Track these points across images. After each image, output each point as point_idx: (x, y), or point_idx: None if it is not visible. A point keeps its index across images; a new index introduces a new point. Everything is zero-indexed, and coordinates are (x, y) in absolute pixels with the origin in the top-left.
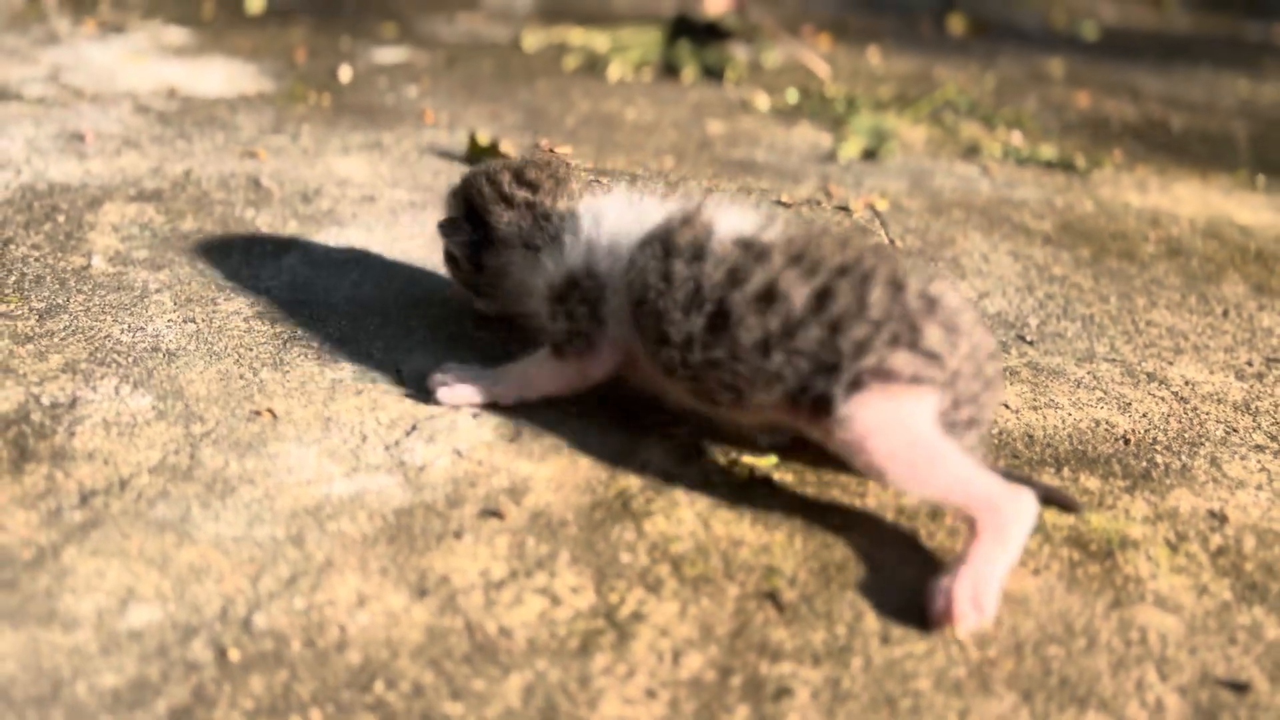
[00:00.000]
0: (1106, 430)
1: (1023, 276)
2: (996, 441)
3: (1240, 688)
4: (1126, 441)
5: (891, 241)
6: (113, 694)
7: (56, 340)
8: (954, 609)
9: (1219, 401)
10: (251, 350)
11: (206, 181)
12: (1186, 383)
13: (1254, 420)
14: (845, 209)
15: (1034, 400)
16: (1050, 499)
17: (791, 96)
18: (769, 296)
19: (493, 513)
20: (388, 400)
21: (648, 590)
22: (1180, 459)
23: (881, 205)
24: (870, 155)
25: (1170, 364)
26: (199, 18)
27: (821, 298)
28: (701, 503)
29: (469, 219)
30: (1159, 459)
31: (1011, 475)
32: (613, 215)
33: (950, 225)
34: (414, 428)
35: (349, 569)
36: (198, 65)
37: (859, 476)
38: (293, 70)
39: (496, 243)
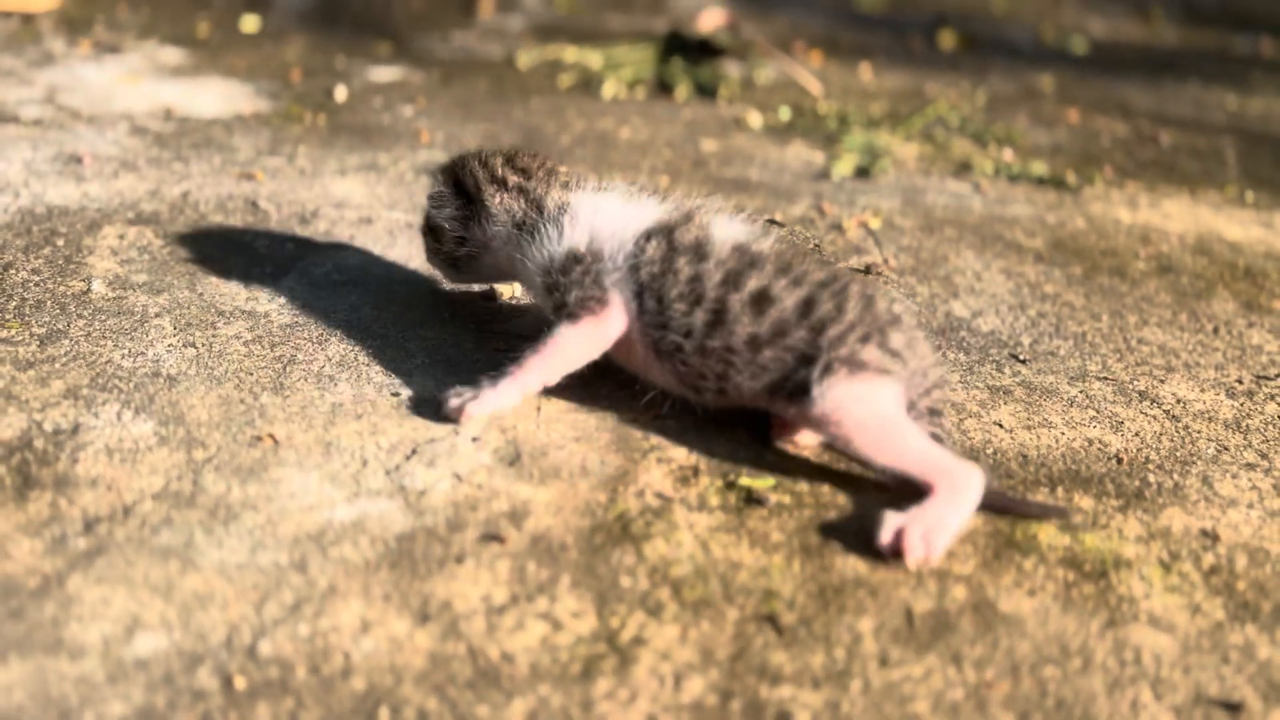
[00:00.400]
0: (1100, 449)
1: (1015, 295)
2: (992, 461)
3: (1233, 707)
4: (1119, 461)
5: (885, 260)
6: None
7: (58, 366)
8: (905, 541)
9: (1210, 420)
10: (252, 374)
11: (204, 204)
12: (1178, 401)
13: (1244, 438)
14: (839, 227)
15: (1028, 420)
16: (1042, 515)
17: (784, 114)
18: (763, 300)
19: (493, 537)
20: (388, 424)
21: (648, 614)
22: (1172, 478)
23: (875, 223)
24: (863, 173)
25: (1162, 382)
26: (194, 37)
27: (808, 304)
28: (700, 525)
29: (456, 196)
30: (1151, 478)
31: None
32: (613, 206)
33: (943, 243)
34: (414, 452)
35: (352, 595)
36: (194, 85)
37: (855, 498)
38: (288, 90)
39: (485, 220)
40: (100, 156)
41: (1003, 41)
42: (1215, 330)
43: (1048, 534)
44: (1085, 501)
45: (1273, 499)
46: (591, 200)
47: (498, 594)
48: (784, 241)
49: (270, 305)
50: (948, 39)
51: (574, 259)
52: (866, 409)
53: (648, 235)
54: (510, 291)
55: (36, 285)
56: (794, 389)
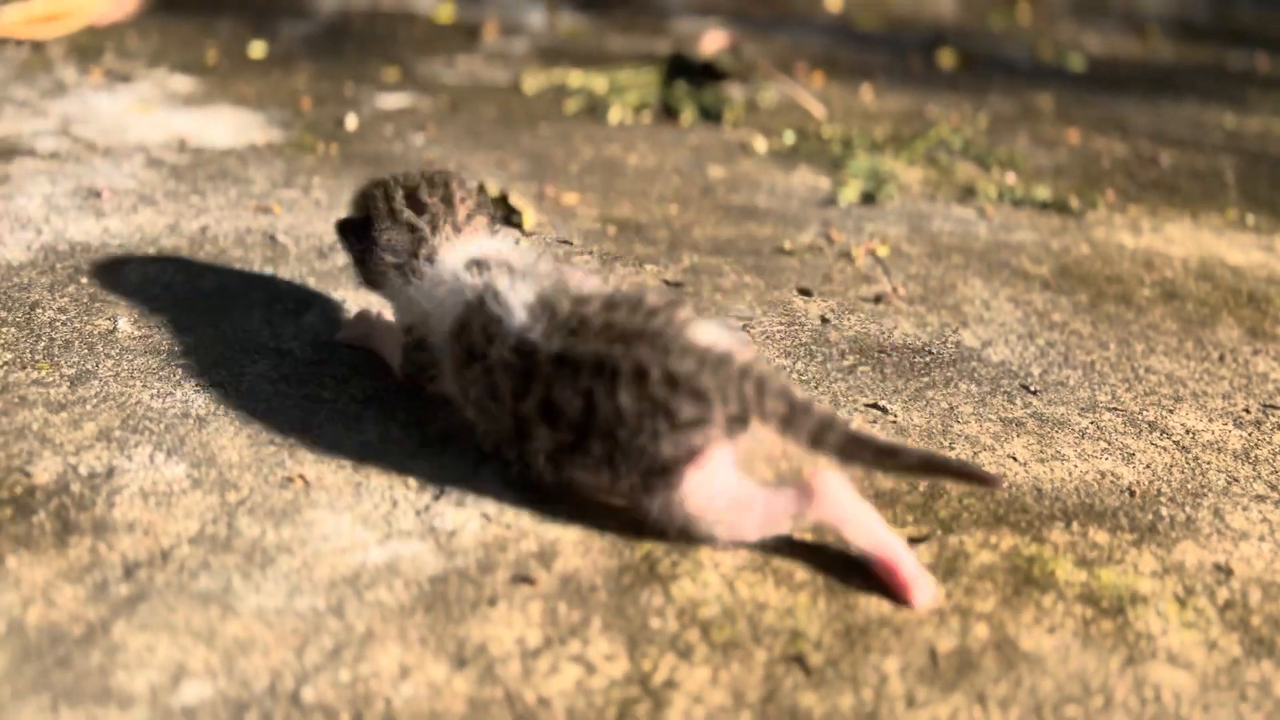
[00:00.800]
0: (1112, 482)
1: (1023, 323)
2: (1006, 495)
3: None
4: (1132, 494)
5: (894, 289)
6: None
7: (89, 408)
8: (911, 591)
9: (1219, 450)
10: (279, 414)
11: (223, 238)
12: (1187, 431)
13: (1254, 469)
14: (847, 255)
15: (1040, 452)
16: (964, 474)
17: (789, 138)
18: (550, 408)
19: (524, 578)
20: (415, 463)
21: (679, 657)
22: (1184, 510)
23: (883, 251)
24: (869, 199)
25: (1170, 412)
26: (203, 65)
27: (587, 412)
28: (725, 564)
29: (361, 224)
30: (1164, 511)
31: None
32: (449, 274)
33: (950, 271)
34: (442, 491)
35: (390, 639)
36: (205, 115)
37: None
38: (299, 119)
39: (376, 253)
40: (118, 190)
41: (1001, 60)
42: (1221, 358)
43: (1065, 569)
44: (1100, 536)
45: None
46: (442, 259)
47: (531, 637)
48: (565, 307)
49: (293, 343)
50: (947, 58)
51: (408, 329)
52: (710, 504)
53: (454, 329)
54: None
55: (64, 324)
56: (630, 490)
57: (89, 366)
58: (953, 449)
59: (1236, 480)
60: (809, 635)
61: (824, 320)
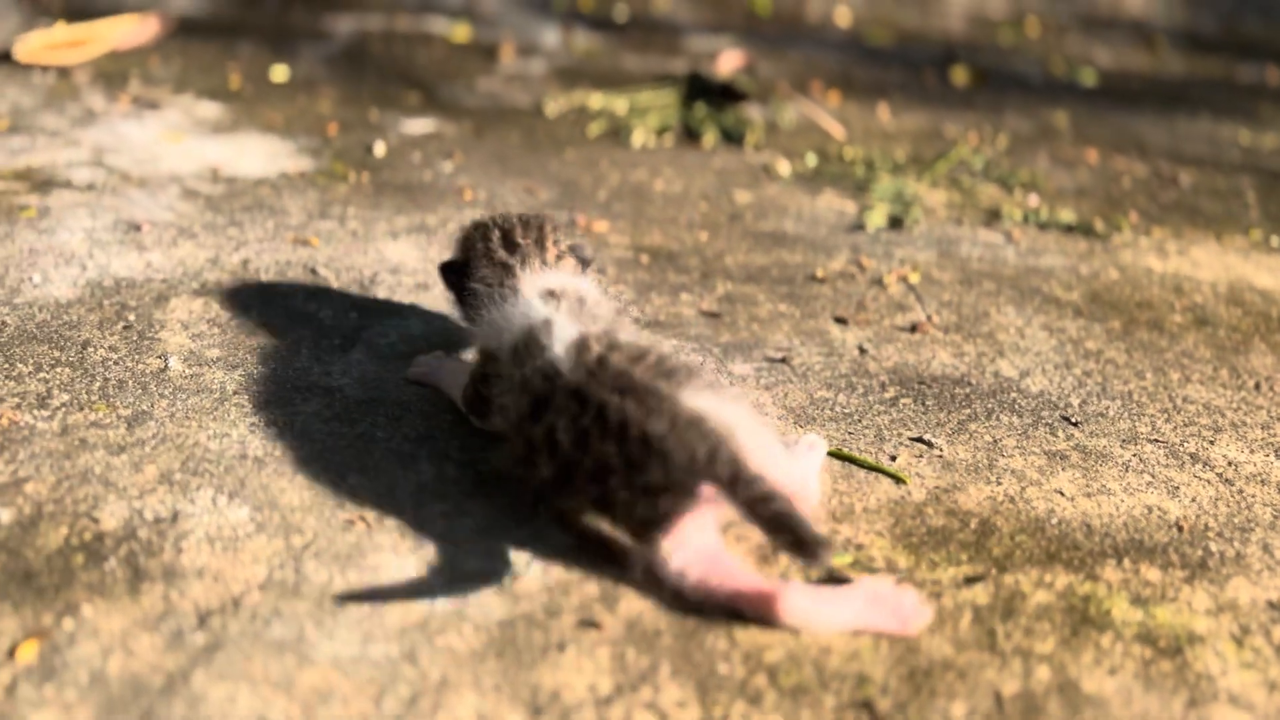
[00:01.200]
0: (1159, 517)
1: (1059, 352)
2: (1058, 532)
3: None
4: (1180, 529)
5: (929, 317)
6: None
7: (148, 450)
8: (907, 623)
9: (1263, 483)
10: (335, 454)
11: (264, 272)
12: (1229, 463)
13: None
14: (880, 283)
15: (1087, 486)
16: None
17: (811, 160)
18: (552, 439)
19: (590, 623)
20: (472, 504)
21: (749, 703)
22: (1233, 546)
23: (914, 278)
24: (896, 223)
25: (1211, 443)
26: (228, 89)
27: (579, 451)
28: None
29: (462, 265)
30: (1213, 546)
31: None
32: (520, 305)
33: (983, 298)
34: (503, 533)
35: (464, 686)
36: (235, 142)
37: (932, 576)
38: (328, 146)
39: (474, 293)
40: (158, 223)
41: (1013, 75)
42: (1257, 386)
43: (1121, 608)
44: (1152, 573)
45: None
46: (524, 291)
47: (602, 684)
48: (594, 358)
49: (343, 380)
50: (960, 75)
51: (485, 357)
52: (692, 568)
53: (511, 351)
54: None
55: (116, 364)
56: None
57: (144, 407)
58: (999, 484)
59: None
60: (875, 679)
61: (862, 350)
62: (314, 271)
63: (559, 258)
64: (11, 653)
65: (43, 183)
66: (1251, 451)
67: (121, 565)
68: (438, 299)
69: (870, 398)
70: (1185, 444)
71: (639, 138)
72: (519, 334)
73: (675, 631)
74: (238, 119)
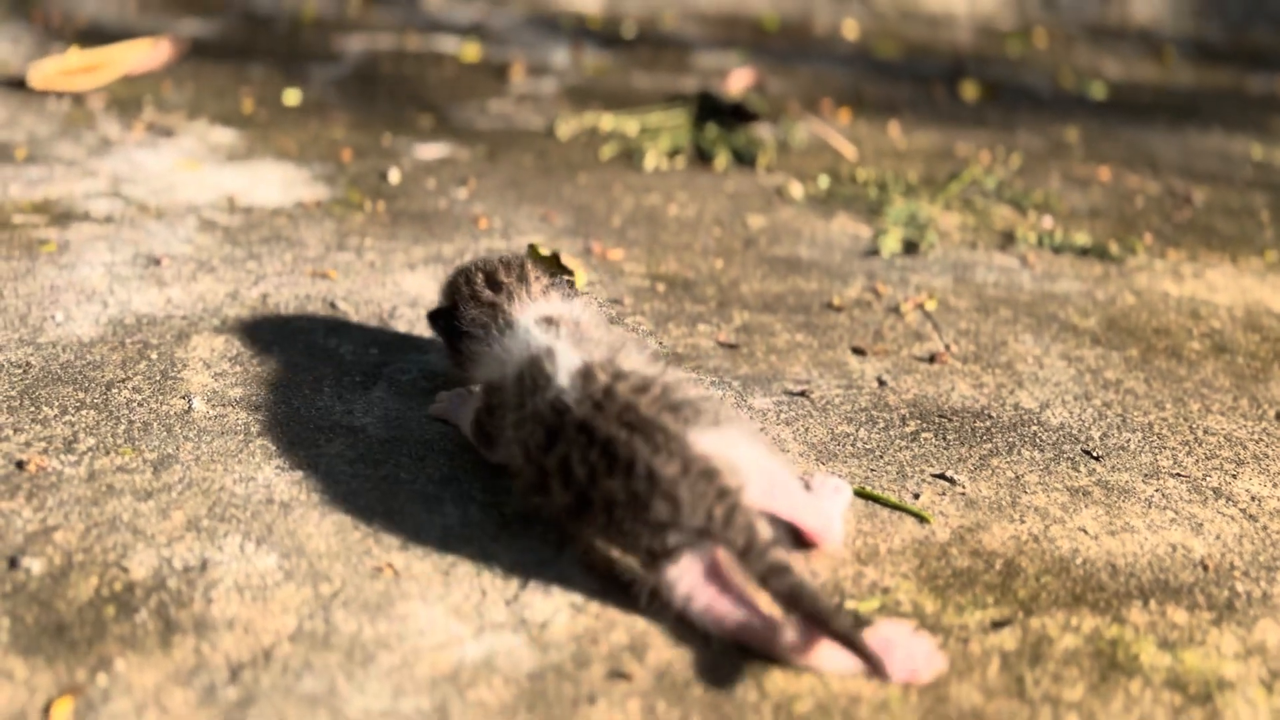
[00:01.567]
0: (1184, 556)
1: (1078, 382)
2: (1082, 572)
3: None
4: (1205, 568)
5: (947, 347)
6: None
7: (175, 495)
8: (917, 673)
9: None
10: (360, 497)
11: (284, 307)
12: (1252, 498)
13: None
14: (896, 311)
15: (1110, 524)
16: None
17: (824, 182)
18: (567, 469)
19: (620, 674)
20: (497, 548)
21: None
22: (1260, 585)
23: (931, 305)
24: (911, 247)
25: (1234, 477)
26: (241, 114)
27: (591, 483)
28: None
29: (448, 311)
30: (1239, 586)
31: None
32: (520, 334)
33: (1000, 326)
34: (529, 579)
35: None
36: (250, 170)
37: (959, 621)
38: (343, 173)
39: (464, 335)
40: (176, 257)
41: (1023, 89)
42: (1278, 416)
43: (1148, 653)
44: (1179, 615)
45: None
46: (516, 324)
47: None
48: (599, 388)
49: (366, 419)
50: (970, 90)
51: (489, 389)
52: (685, 595)
53: (515, 378)
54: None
55: (140, 405)
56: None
57: (170, 450)
58: (1023, 522)
59: None
60: None
61: (881, 382)
62: (333, 305)
63: (544, 292)
64: (46, 710)
65: (61, 215)
66: (1275, 485)
67: (153, 617)
68: None
69: (891, 432)
70: (1208, 478)
71: (651, 160)
72: (522, 363)
73: (705, 682)
74: (252, 145)
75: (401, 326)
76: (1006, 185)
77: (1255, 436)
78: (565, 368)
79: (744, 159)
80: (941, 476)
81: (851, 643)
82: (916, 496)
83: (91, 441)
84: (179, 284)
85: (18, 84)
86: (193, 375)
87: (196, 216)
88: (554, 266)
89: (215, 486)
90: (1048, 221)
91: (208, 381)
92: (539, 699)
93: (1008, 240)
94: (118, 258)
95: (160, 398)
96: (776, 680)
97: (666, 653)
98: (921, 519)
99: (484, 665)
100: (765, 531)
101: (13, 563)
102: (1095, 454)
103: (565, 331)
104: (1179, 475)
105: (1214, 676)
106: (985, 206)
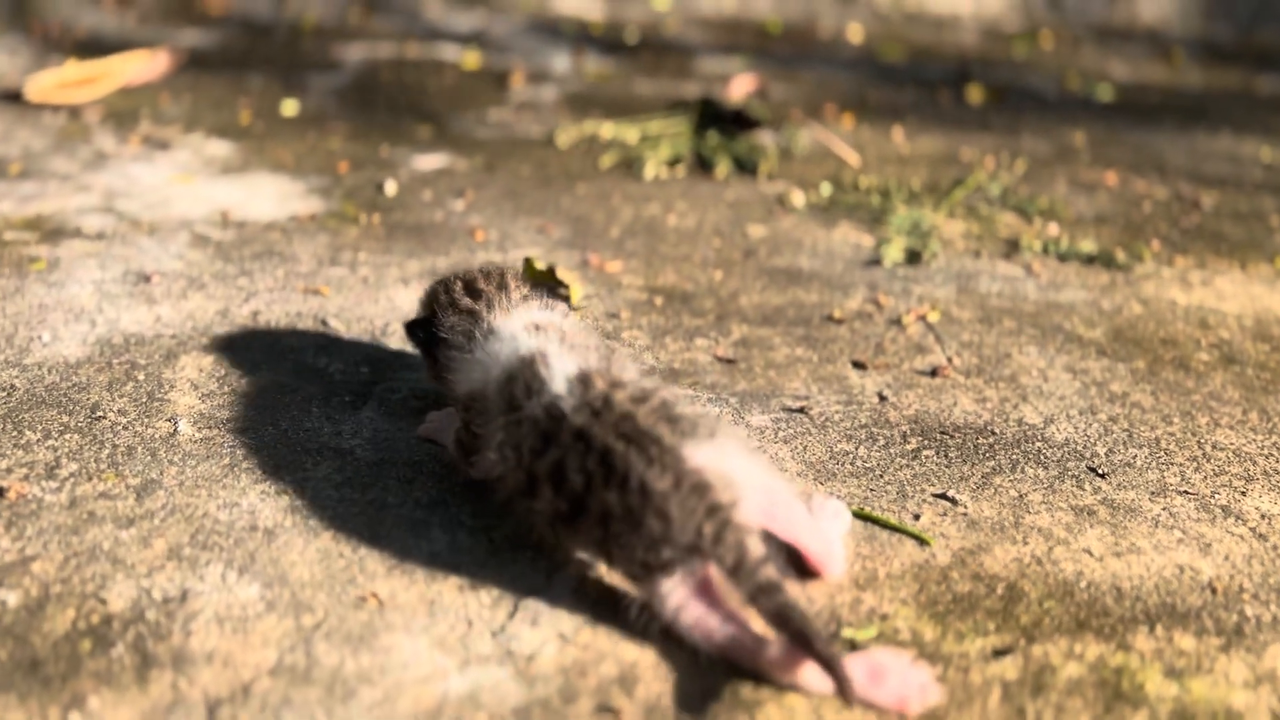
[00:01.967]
0: (1192, 578)
1: (1083, 396)
2: (1087, 596)
3: None
4: (1213, 590)
5: (949, 359)
6: None
7: (157, 522)
8: (906, 701)
9: None
10: (346, 523)
11: (275, 325)
12: (1262, 516)
13: None
14: (898, 323)
15: (1115, 545)
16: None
17: (826, 190)
18: (557, 473)
19: (608, 709)
20: (485, 576)
21: None
22: (1270, 609)
23: (933, 317)
24: (914, 257)
25: (1243, 494)
26: (238, 126)
27: (586, 492)
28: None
29: (427, 321)
30: (1249, 610)
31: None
32: (506, 341)
33: (1004, 337)
34: (516, 609)
35: None
36: (245, 183)
37: (960, 649)
38: (339, 185)
39: (443, 346)
40: (167, 273)
41: (1029, 92)
42: None
43: (1154, 682)
44: (1186, 641)
45: None
46: (497, 332)
47: None
48: (596, 392)
49: (354, 440)
50: (975, 93)
51: (470, 398)
52: (674, 609)
53: (502, 383)
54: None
55: (125, 429)
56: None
57: (154, 475)
58: (1026, 544)
59: None
60: None
61: (882, 397)
62: (325, 323)
63: (524, 299)
64: None
65: (53, 231)
66: None
67: (129, 651)
68: None
69: (892, 450)
70: (1216, 495)
71: (651, 169)
72: (510, 367)
73: (695, 716)
74: (248, 158)
75: (394, 344)
76: (1011, 191)
77: (1265, 451)
78: (561, 373)
79: (745, 167)
80: (943, 496)
81: (829, 665)
82: (917, 517)
83: (74, 467)
84: (169, 302)
85: (14, 97)
86: (180, 397)
87: (189, 232)
88: (549, 280)
89: (199, 513)
90: (1053, 229)
91: (195, 403)
92: None
93: (1012, 248)
94: (108, 275)
95: (146, 420)
96: (770, 714)
97: (656, 686)
98: (922, 541)
99: (468, 700)
100: (756, 549)
101: None
102: (1101, 471)
103: (555, 337)
104: (1187, 493)
105: (1222, 707)
106: (990, 213)
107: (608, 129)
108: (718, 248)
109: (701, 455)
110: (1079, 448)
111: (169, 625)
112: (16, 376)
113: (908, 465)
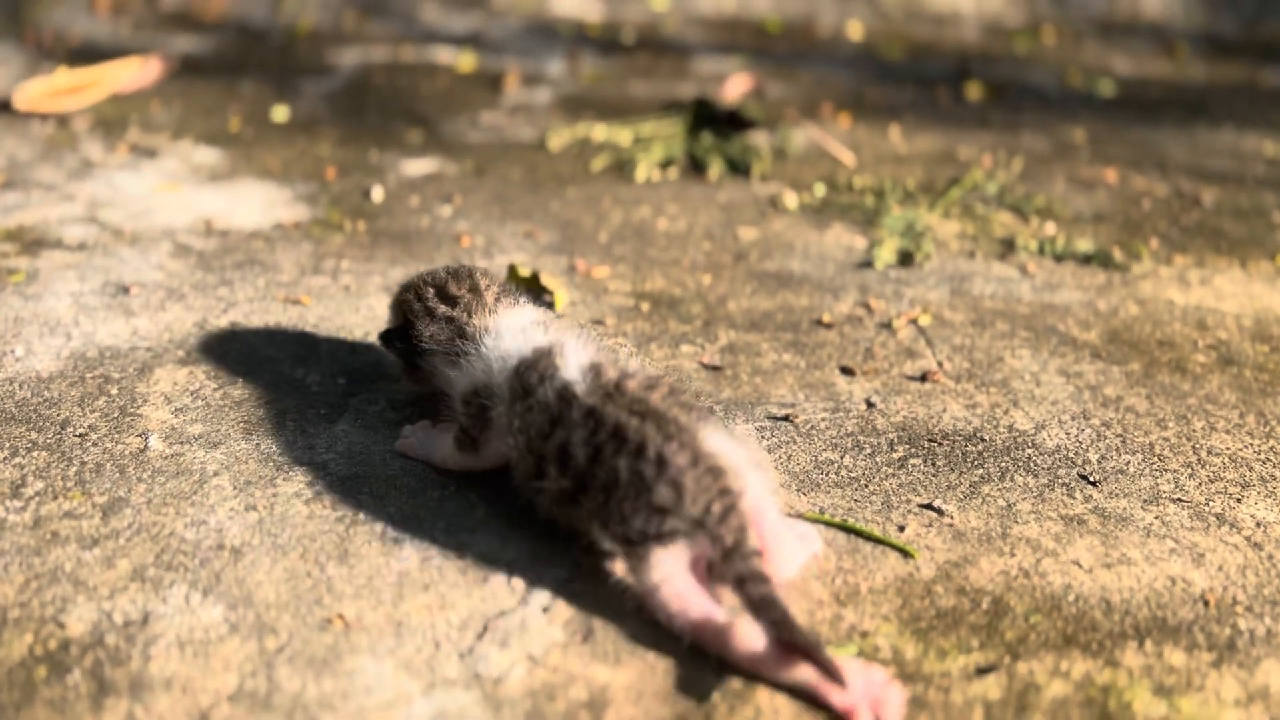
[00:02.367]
0: (1184, 590)
1: (1076, 400)
2: (1075, 610)
3: None
4: (1206, 603)
5: (940, 364)
6: None
7: (122, 542)
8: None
9: None
10: (315, 540)
11: (253, 336)
12: (1258, 524)
13: None
14: (888, 327)
15: (1106, 556)
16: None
17: (819, 190)
18: (563, 453)
19: None
20: (455, 595)
21: None
22: (1264, 622)
23: (925, 320)
24: (906, 258)
25: (1239, 501)
26: (227, 133)
27: (592, 465)
28: (784, 710)
29: (402, 330)
30: (1242, 623)
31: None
32: (507, 337)
33: (996, 341)
34: (485, 629)
35: None
36: (231, 190)
37: (941, 667)
38: (325, 192)
39: (421, 353)
40: (146, 284)
41: (1029, 88)
42: None
43: (1143, 700)
44: (1177, 657)
45: None
46: (495, 328)
47: None
48: (612, 375)
49: (328, 454)
50: (974, 90)
51: (473, 393)
52: (658, 582)
53: (515, 371)
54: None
55: (94, 445)
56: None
57: (121, 493)
58: (1013, 556)
59: None
60: None
61: (869, 404)
62: (304, 333)
63: (498, 299)
64: None
65: (33, 243)
66: None
67: (86, 678)
68: None
69: (878, 459)
70: (1210, 503)
71: (643, 172)
72: (523, 358)
73: None
74: (235, 165)
75: (372, 356)
76: (1008, 190)
77: (1262, 456)
78: (575, 362)
79: (738, 168)
80: (929, 507)
81: (812, 655)
82: (902, 529)
83: (40, 485)
84: (146, 313)
85: (3, 106)
86: (152, 411)
87: (171, 241)
88: (534, 287)
89: (165, 532)
90: (1050, 228)
91: (167, 418)
92: None
93: (1007, 248)
94: (86, 287)
95: (116, 436)
96: None
97: (628, 709)
98: (906, 554)
99: None
100: (754, 539)
101: None
102: (1092, 479)
103: (571, 331)
104: (1180, 500)
105: None
106: (985, 213)
107: (600, 131)
108: (708, 251)
109: (716, 441)
110: (1070, 454)
111: (128, 650)
112: None
113: (894, 474)
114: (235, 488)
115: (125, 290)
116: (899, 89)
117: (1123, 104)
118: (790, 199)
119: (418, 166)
